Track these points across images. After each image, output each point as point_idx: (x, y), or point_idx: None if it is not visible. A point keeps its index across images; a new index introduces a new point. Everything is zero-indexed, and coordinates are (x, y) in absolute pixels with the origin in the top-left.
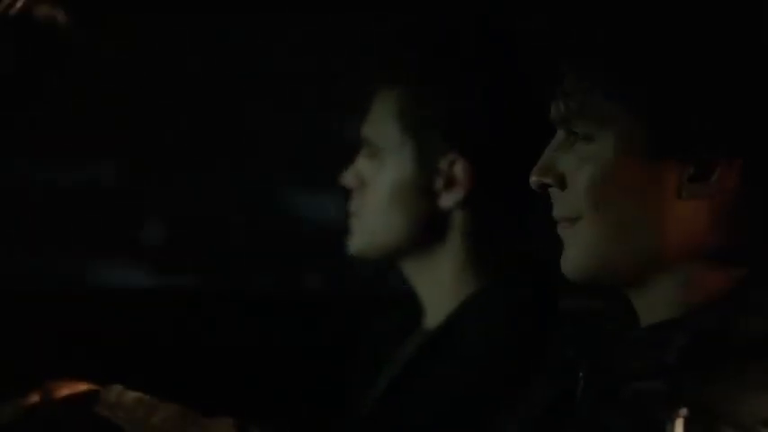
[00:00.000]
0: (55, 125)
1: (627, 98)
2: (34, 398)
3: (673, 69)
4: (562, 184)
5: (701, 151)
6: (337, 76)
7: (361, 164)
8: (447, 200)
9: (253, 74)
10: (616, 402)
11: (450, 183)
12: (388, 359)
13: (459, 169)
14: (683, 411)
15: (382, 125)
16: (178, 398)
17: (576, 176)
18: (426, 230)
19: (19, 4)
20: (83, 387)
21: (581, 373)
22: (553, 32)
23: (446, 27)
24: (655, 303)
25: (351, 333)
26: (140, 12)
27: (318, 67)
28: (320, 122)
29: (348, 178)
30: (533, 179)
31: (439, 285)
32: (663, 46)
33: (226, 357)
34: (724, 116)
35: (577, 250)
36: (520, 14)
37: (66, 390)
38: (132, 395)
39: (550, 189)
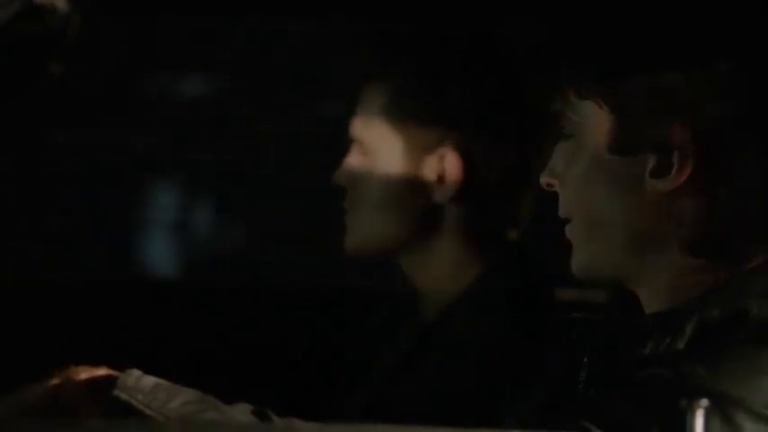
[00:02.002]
0: None
1: (595, 98)
2: (56, 381)
3: (636, 72)
4: (560, 184)
5: (661, 149)
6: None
7: (353, 162)
8: (439, 194)
9: (253, 74)
10: (626, 389)
11: (441, 177)
12: (386, 352)
13: (450, 163)
14: (704, 402)
15: (371, 122)
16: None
17: (565, 177)
18: (421, 225)
19: None
20: (102, 371)
21: (585, 359)
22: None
23: (438, 26)
24: (656, 292)
25: (350, 326)
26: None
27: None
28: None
29: (340, 177)
30: (541, 180)
31: (437, 277)
32: (630, 51)
33: (233, 350)
34: (679, 119)
35: (576, 253)
36: (510, 19)
37: (86, 374)
38: (151, 380)
39: (556, 188)
